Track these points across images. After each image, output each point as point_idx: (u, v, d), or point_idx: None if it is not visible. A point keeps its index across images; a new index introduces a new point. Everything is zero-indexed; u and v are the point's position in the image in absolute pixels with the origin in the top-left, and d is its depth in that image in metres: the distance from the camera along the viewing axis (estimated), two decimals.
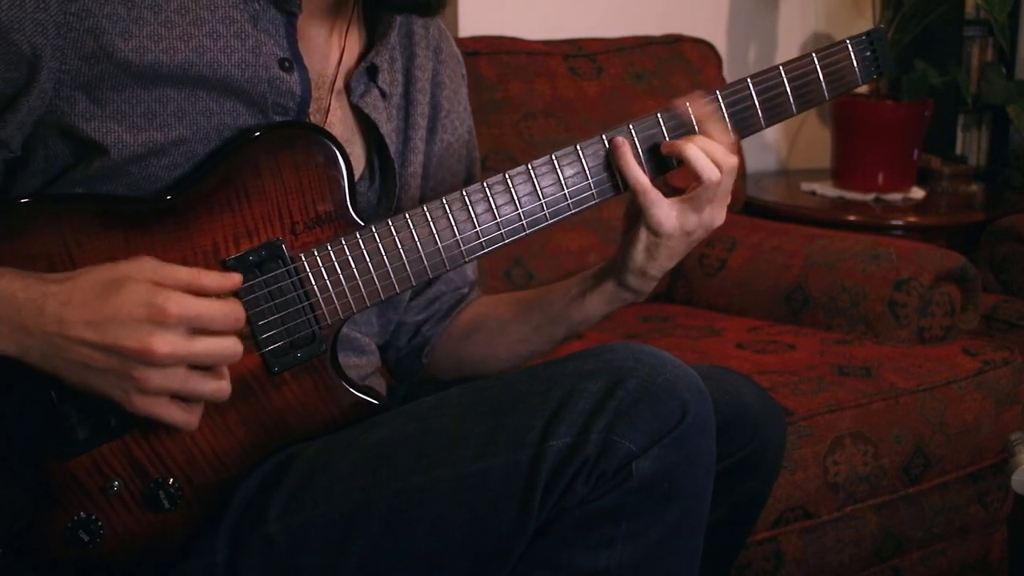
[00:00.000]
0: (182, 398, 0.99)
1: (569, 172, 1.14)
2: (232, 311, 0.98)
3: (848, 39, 1.23)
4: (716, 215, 1.16)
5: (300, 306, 1.07)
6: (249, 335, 1.05)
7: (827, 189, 2.67)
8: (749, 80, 1.18)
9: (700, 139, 1.14)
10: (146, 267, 0.97)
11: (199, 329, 0.96)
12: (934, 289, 1.92)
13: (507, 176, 1.12)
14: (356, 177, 1.18)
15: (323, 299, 1.08)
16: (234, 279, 1.01)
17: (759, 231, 2.21)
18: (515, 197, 1.13)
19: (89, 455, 1.02)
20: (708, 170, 1.13)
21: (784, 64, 1.20)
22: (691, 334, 1.96)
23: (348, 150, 1.17)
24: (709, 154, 1.13)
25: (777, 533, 1.62)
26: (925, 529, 1.80)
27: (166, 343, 0.94)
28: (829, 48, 1.22)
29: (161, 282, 0.96)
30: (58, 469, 1.02)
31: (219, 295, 0.99)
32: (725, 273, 2.17)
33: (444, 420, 1.06)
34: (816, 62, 1.21)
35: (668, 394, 1.00)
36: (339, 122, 1.18)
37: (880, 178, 2.63)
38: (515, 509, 1.00)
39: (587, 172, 1.14)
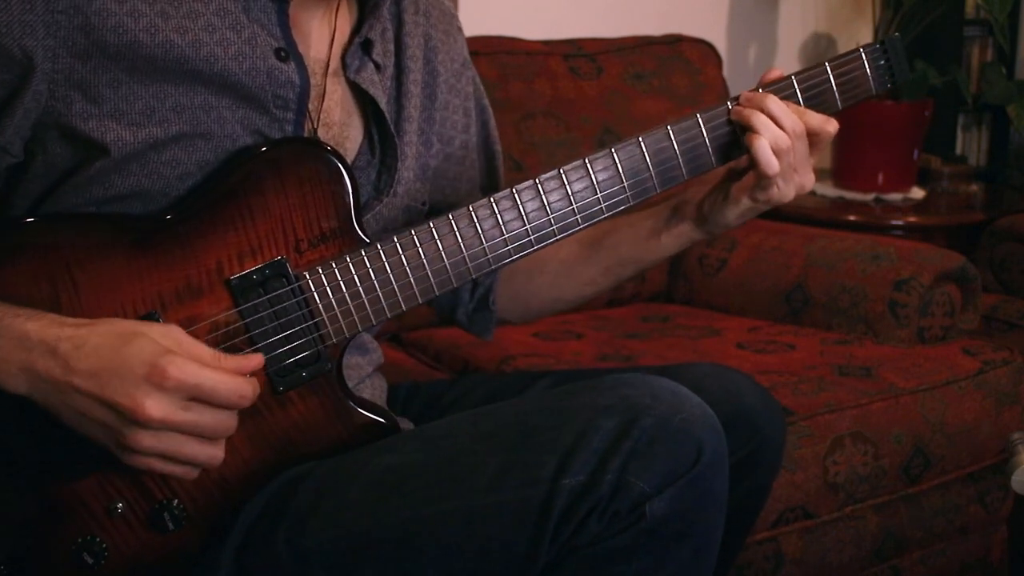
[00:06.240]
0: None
1: (578, 187, 1.12)
2: (238, 387, 0.95)
3: (862, 48, 1.21)
4: (805, 180, 1.18)
5: (304, 325, 1.05)
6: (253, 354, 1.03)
7: (827, 189, 2.67)
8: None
9: (762, 102, 1.14)
10: (169, 332, 0.95)
11: (199, 399, 0.93)
12: (934, 289, 1.92)
13: (514, 191, 1.10)
14: (355, 154, 1.17)
15: (328, 318, 1.06)
16: (254, 360, 0.98)
17: (759, 231, 2.20)
18: (522, 212, 1.11)
19: (95, 476, 1.00)
20: (780, 139, 1.13)
21: (796, 74, 1.18)
22: (691, 334, 1.96)
23: (346, 131, 1.15)
24: (775, 120, 1.13)
25: (777, 533, 1.62)
26: (925, 529, 1.80)
27: (158, 407, 0.91)
28: (843, 57, 1.20)
29: (175, 349, 0.93)
30: (64, 489, 1.00)
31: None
32: (725, 273, 2.17)
33: (455, 449, 1.03)
34: (829, 71, 1.19)
35: (685, 434, 0.98)
36: (336, 104, 1.16)
37: (880, 178, 2.63)
38: (525, 545, 0.98)
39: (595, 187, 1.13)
